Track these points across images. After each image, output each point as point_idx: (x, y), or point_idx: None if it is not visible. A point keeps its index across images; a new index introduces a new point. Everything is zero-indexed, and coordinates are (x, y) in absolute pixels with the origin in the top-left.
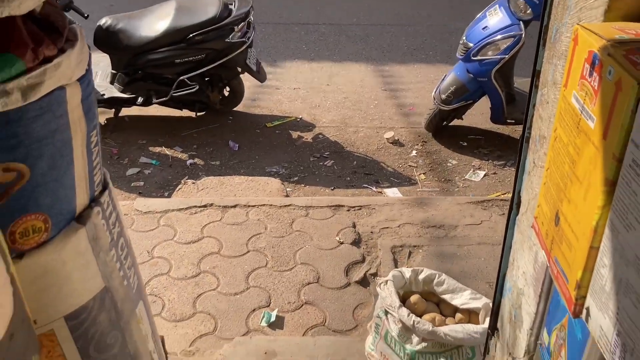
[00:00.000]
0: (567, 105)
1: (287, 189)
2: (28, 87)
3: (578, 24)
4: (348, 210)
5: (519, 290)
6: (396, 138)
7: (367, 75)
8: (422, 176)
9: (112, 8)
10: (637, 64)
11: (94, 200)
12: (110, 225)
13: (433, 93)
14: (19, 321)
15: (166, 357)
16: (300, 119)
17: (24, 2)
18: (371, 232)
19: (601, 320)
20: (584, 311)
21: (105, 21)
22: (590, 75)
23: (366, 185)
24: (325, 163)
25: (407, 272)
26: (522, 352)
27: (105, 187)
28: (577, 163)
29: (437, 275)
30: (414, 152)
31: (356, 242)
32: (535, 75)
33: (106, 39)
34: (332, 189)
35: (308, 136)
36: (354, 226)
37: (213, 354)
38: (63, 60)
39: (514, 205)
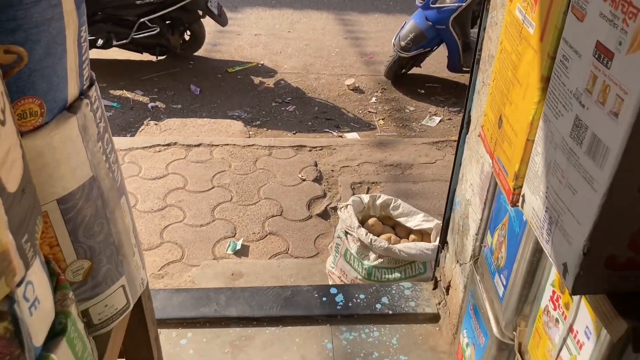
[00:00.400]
0: (512, 17)
1: (250, 132)
2: None
3: None
4: (310, 151)
5: (466, 201)
6: (357, 85)
7: (328, 23)
8: (381, 121)
9: None
10: None
11: (83, 93)
12: (97, 119)
13: (393, 40)
14: (28, 179)
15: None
16: (262, 64)
17: None
18: (332, 171)
19: (533, 202)
20: (520, 199)
21: None
22: None
23: (327, 130)
24: (287, 108)
25: (365, 197)
26: (468, 256)
27: (92, 83)
28: (519, 67)
29: (393, 200)
30: (373, 99)
31: (318, 179)
32: None
33: None
34: (294, 133)
35: (270, 82)
36: (316, 165)
37: (182, 276)
38: None
39: (464, 124)
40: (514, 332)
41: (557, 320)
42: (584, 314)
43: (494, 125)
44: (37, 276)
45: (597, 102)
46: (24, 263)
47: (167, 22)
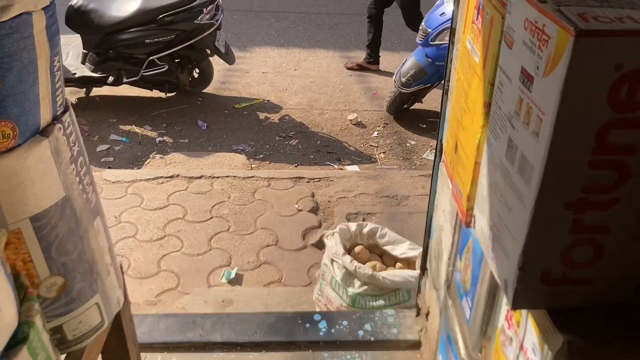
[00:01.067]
0: (464, 48)
1: (252, 165)
2: (0, 8)
3: None
4: (308, 182)
5: (440, 227)
6: (359, 120)
7: (334, 61)
8: (382, 155)
9: None
10: (505, 4)
11: (56, 118)
12: (71, 143)
13: (394, 77)
14: None
15: (124, 282)
16: (268, 101)
17: None
18: (328, 201)
19: (482, 221)
20: (472, 219)
21: (77, 1)
22: (477, 19)
23: (328, 163)
24: (290, 142)
25: (352, 226)
26: (442, 282)
27: (66, 109)
28: (468, 95)
29: (379, 229)
30: (375, 133)
31: (314, 210)
32: (452, 32)
33: (78, 19)
34: (295, 166)
35: (275, 117)
36: (313, 196)
37: (174, 303)
38: None
39: (437, 152)
40: (479, 354)
41: (511, 339)
42: (531, 331)
43: (452, 151)
44: None
45: (524, 123)
46: None
47: (176, 60)
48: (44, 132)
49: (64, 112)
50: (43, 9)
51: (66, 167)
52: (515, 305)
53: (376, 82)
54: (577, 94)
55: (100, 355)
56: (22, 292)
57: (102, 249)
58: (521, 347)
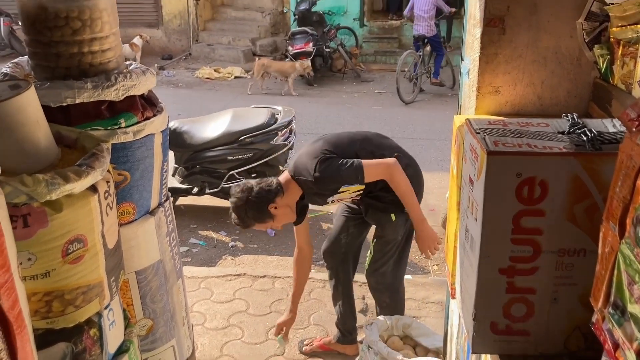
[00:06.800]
0: (454, 165)
1: (313, 270)
2: (137, 131)
3: (457, 115)
4: (360, 285)
5: (451, 312)
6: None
7: None
8: (435, 267)
9: (179, 116)
10: (475, 131)
11: (161, 204)
12: (168, 222)
13: (446, 195)
14: (119, 245)
15: (193, 336)
16: (331, 213)
17: (140, 89)
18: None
19: (457, 290)
20: (455, 292)
21: (173, 124)
22: (456, 143)
23: None
24: None
25: (389, 319)
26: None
27: (167, 198)
28: (452, 197)
29: (413, 322)
30: None
31: (363, 311)
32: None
33: (173, 139)
34: None
35: None
36: (363, 298)
37: None
38: (155, 120)
39: None
40: None
41: None
42: None
43: (449, 242)
44: (116, 307)
45: (471, 212)
46: (110, 294)
47: (253, 174)
48: (152, 212)
49: (166, 200)
50: (161, 131)
51: (163, 238)
52: (475, 350)
53: (434, 200)
54: (494, 191)
55: None
56: (126, 320)
57: (181, 303)
58: None
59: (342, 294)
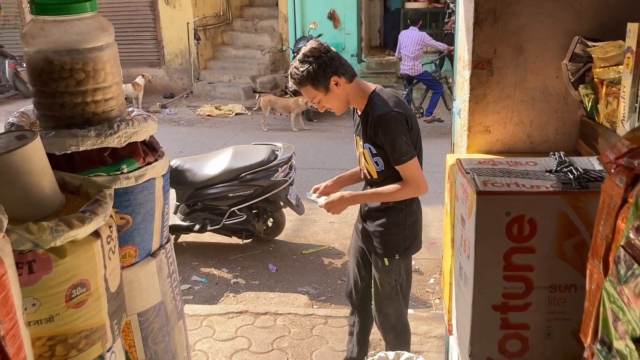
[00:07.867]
0: (448, 203)
1: (314, 306)
2: (138, 176)
3: (450, 154)
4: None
5: (451, 347)
6: (417, 267)
7: None
8: (437, 301)
9: (181, 154)
10: (465, 171)
11: (162, 246)
12: (169, 263)
13: None
14: (121, 288)
15: None
16: (333, 247)
17: (141, 136)
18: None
19: (454, 330)
20: (451, 328)
21: (175, 162)
22: (449, 182)
23: None
24: None
25: (391, 354)
26: None
27: (168, 240)
28: (447, 234)
29: (414, 357)
30: (432, 280)
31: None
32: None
33: (174, 177)
34: None
35: (338, 263)
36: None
37: None
38: (156, 165)
39: None
40: None
41: None
42: None
43: (446, 279)
44: (118, 349)
45: (463, 250)
46: (113, 337)
47: (254, 210)
48: (153, 254)
49: (167, 242)
50: (162, 175)
51: (164, 279)
52: None
53: (435, 233)
54: (485, 229)
55: None
56: None
57: (182, 343)
58: None
59: (358, 333)
